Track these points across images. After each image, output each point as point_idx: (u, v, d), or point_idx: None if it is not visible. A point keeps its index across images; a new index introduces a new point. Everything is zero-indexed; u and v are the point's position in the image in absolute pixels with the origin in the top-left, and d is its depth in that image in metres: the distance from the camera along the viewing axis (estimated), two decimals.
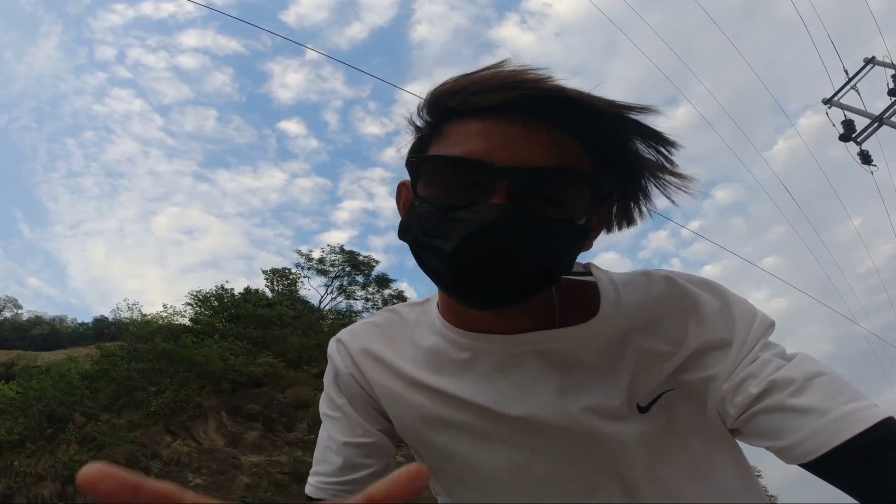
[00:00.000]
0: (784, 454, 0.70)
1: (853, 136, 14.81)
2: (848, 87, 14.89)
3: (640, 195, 0.81)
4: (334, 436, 0.94)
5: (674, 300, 0.83)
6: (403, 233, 0.81)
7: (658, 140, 0.75)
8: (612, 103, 0.72)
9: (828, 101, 15.27)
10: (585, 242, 0.80)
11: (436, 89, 0.79)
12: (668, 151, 0.76)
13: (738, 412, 0.74)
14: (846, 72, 14.98)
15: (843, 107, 15.08)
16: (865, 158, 14.83)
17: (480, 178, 0.71)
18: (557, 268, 0.76)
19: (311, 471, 0.96)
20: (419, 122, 0.84)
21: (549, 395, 0.82)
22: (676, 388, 0.82)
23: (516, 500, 0.87)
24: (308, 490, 0.95)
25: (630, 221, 0.85)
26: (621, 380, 0.81)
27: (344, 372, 0.95)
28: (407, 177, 0.81)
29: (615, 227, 0.86)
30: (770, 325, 0.80)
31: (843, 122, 14.91)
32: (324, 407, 0.98)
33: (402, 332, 0.95)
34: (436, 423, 0.88)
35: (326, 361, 1.00)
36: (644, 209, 0.83)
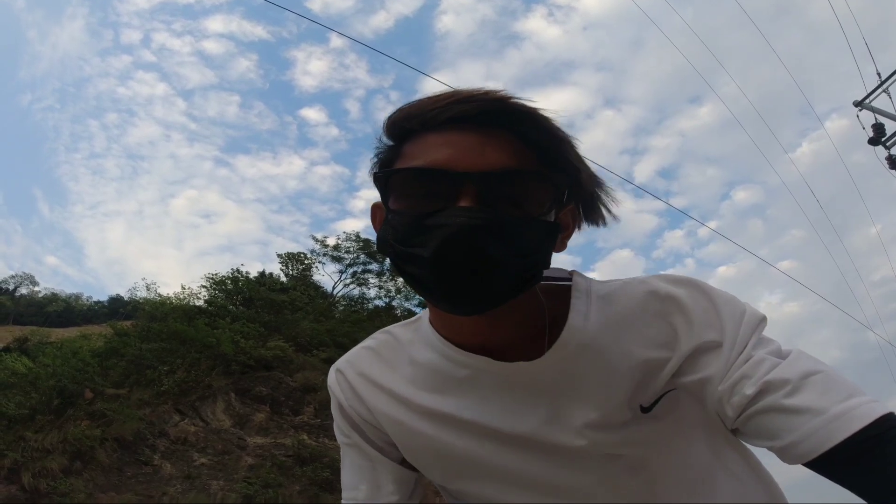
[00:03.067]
0: (784, 454, 0.70)
1: (882, 139, 14.54)
2: (880, 89, 14.58)
3: (594, 196, 0.83)
4: (355, 462, 0.97)
5: (657, 304, 0.83)
6: (382, 247, 0.82)
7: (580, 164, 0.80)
8: (545, 116, 0.77)
9: (859, 104, 14.99)
10: (556, 239, 0.80)
11: (392, 116, 0.82)
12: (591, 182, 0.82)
13: (736, 413, 0.74)
14: (879, 74, 14.68)
15: (874, 110, 14.78)
16: (894, 163, 14.60)
17: (446, 184, 0.73)
18: (533, 265, 0.77)
19: (344, 494, 0.98)
20: (380, 147, 0.85)
21: (548, 412, 0.83)
22: (678, 388, 0.82)
23: None
24: None
25: (596, 221, 0.87)
26: (621, 391, 0.81)
27: (346, 405, 0.96)
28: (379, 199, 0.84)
29: (584, 225, 0.87)
30: (761, 321, 0.80)
31: (873, 126, 14.63)
32: (338, 434, 1.00)
33: (399, 353, 0.95)
34: (438, 447, 0.88)
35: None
36: (605, 210, 0.85)
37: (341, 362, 1.00)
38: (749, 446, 0.91)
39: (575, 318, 0.83)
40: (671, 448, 0.85)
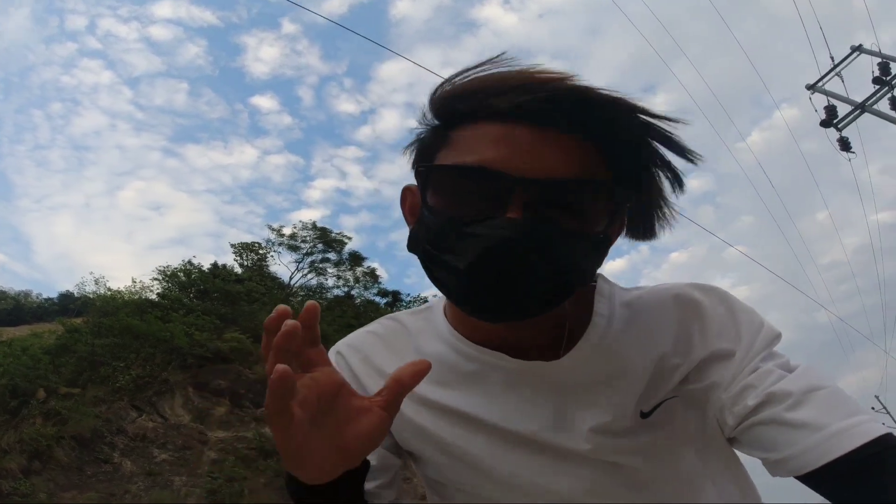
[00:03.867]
0: (778, 467, 0.69)
1: (834, 122, 14.76)
2: (833, 73, 14.87)
3: (657, 209, 0.79)
4: None
5: (678, 309, 0.83)
6: (413, 245, 0.78)
7: (682, 154, 0.72)
8: (636, 107, 0.69)
9: (811, 87, 15.27)
10: (604, 255, 0.77)
11: (443, 91, 0.76)
12: (682, 168, 0.74)
13: (736, 422, 0.74)
14: (832, 58, 14.98)
15: (826, 93, 15.08)
16: (845, 145, 14.83)
17: (496, 189, 0.68)
18: (576, 282, 0.73)
19: None
20: (424, 127, 0.80)
21: (556, 413, 0.81)
22: (679, 396, 0.81)
23: None
24: None
25: (647, 235, 0.83)
26: (631, 396, 0.80)
27: None
28: (412, 181, 0.78)
29: (631, 238, 0.83)
30: (776, 336, 0.79)
31: (825, 108, 14.89)
32: None
33: (405, 341, 0.92)
34: (439, 441, 0.85)
35: None
36: (661, 223, 0.81)
37: (342, 345, 0.96)
38: (743, 470, 0.91)
39: (598, 321, 0.81)
40: (664, 459, 0.82)
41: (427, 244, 0.74)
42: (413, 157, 0.83)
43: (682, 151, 0.72)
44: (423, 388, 0.82)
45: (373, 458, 0.87)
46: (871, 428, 0.65)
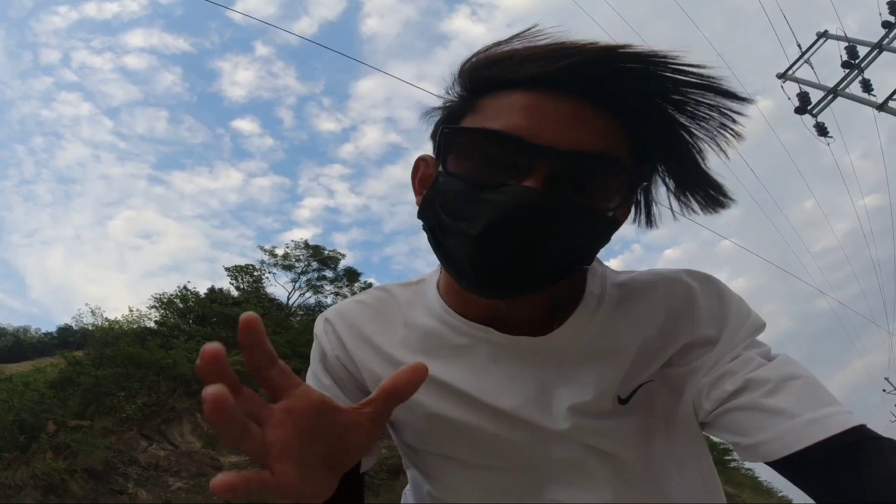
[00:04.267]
0: (750, 452, 0.70)
1: (809, 108, 14.89)
2: (802, 60, 15.06)
3: (675, 195, 0.78)
4: None
5: (668, 294, 0.83)
6: (424, 212, 0.78)
7: (731, 98, 0.69)
8: (669, 62, 0.66)
9: (782, 76, 15.41)
10: (610, 236, 0.77)
11: (473, 58, 0.75)
12: (735, 118, 0.70)
13: (712, 406, 0.75)
14: (799, 46, 15.16)
15: (797, 80, 15.24)
16: (822, 130, 14.86)
17: (519, 157, 0.67)
18: (579, 260, 0.74)
19: None
20: (450, 97, 0.80)
21: (539, 390, 0.81)
22: (656, 380, 0.82)
23: (496, 491, 0.87)
24: None
25: (650, 222, 0.83)
26: (614, 375, 0.80)
27: (331, 354, 0.91)
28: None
29: (637, 224, 0.83)
30: (760, 327, 0.80)
31: (798, 95, 15.02)
32: (311, 382, 0.94)
33: (394, 312, 0.92)
34: (421, 411, 0.85)
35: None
36: (673, 210, 0.80)
37: (331, 312, 0.96)
38: (709, 459, 0.92)
39: (588, 300, 0.82)
40: (638, 444, 0.83)
41: (440, 210, 0.73)
42: (435, 124, 0.82)
43: (730, 95, 0.68)
44: (410, 359, 0.83)
45: None
46: (845, 419, 0.66)
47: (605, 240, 0.76)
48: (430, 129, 0.83)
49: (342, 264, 24.65)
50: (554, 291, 0.80)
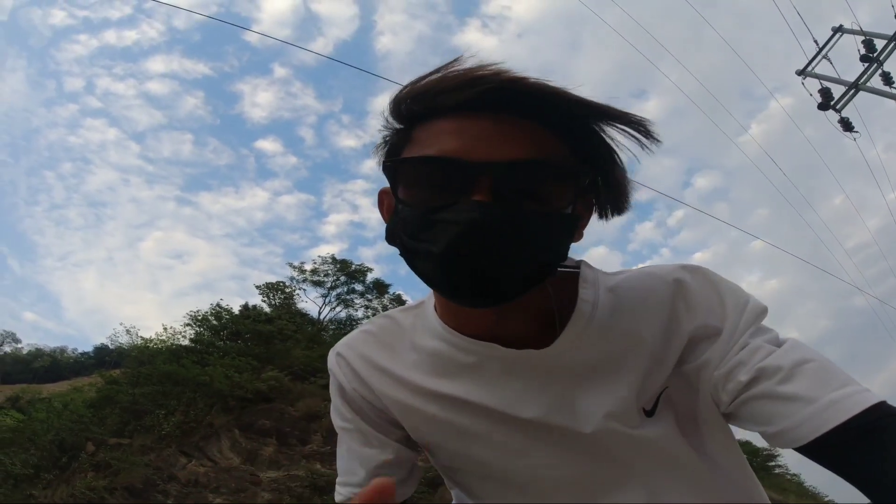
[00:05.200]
0: (776, 439, 0.70)
1: (831, 104, 14.67)
2: (820, 56, 14.85)
3: (621, 180, 0.79)
4: (353, 447, 0.95)
5: (662, 290, 0.83)
6: (391, 238, 0.80)
7: (624, 121, 0.73)
8: (571, 92, 0.71)
9: (801, 72, 15.19)
10: (575, 232, 0.78)
11: (397, 95, 0.78)
12: (639, 131, 0.73)
13: (730, 398, 0.75)
14: (816, 42, 14.95)
15: (817, 76, 15.01)
16: (847, 126, 14.74)
17: (459, 176, 0.70)
18: (549, 260, 0.75)
19: (339, 479, 0.96)
20: (387, 130, 0.82)
21: (557, 398, 0.82)
22: (672, 384, 0.82)
23: (532, 500, 0.87)
24: (338, 498, 0.96)
25: (617, 209, 0.83)
26: (630, 380, 0.80)
27: (348, 387, 0.94)
28: (386, 183, 0.80)
29: (603, 215, 0.84)
30: (762, 311, 0.80)
31: (819, 91, 14.81)
32: (336, 419, 0.97)
33: (401, 338, 0.93)
34: (449, 428, 0.87)
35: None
36: (628, 195, 0.81)
37: (341, 345, 0.97)
38: (738, 447, 0.92)
39: (583, 308, 0.82)
40: (670, 450, 0.83)
41: (403, 235, 0.75)
42: (381, 157, 0.84)
43: (628, 120, 0.73)
44: (427, 381, 0.87)
45: (388, 453, 0.92)
46: (865, 397, 0.66)
47: (567, 236, 0.76)
48: (379, 160, 0.85)
49: (370, 277, 24.64)
50: (544, 303, 0.82)
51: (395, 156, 0.80)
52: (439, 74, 0.74)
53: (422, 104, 0.75)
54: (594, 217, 0.83)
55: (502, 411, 0.83)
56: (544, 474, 0.84)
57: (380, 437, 0.93)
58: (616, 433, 0.80)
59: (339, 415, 0.96)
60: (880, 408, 0.65)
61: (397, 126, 0.81)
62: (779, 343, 0.76)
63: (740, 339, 0.76)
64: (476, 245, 0.68)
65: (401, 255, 0.79)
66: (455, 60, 0.75)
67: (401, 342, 0.92)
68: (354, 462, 0.94)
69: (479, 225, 0.67)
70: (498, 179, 0.69)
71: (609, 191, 0.81)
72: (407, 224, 0.74)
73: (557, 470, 0.84)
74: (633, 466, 0.83)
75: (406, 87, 0.78)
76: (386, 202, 0.85)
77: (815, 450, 0.67)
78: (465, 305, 0.76)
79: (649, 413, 0.82)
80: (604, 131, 0.74)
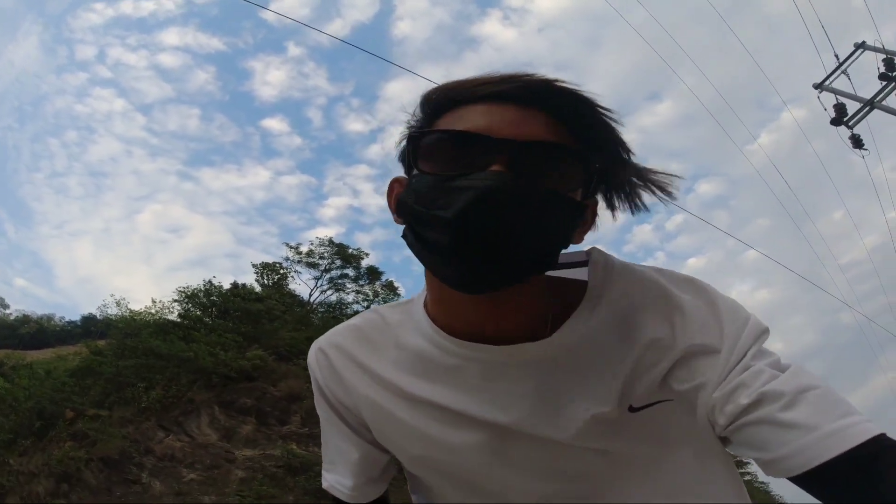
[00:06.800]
0: (771, 467, 0.69)
1: (845, 119, 14.64)
2: (839, 71, 14.79)
3: (628, 185, 0.82)
4: (331, 439, 0.99)
5: (662, 303, 0.82)
6: (400, 211, 0.81)
7: (650, 180, 0.81)
8: (592, 100, 0.78)
9: (819, 86, 15.15)
10: (578, 221, 0.80)
11: (429, 92, 0.82)
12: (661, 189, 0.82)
13: (728, 421, 0.73)
14: (837, 56, 14.90)
15: (834, 91, 14.98)
16: (857, 142, 14.72)
17: (481, 150, 0.73)
18: (552, 243, 0.76)
19: (325, 467, 1.01)
20: (411, 121, 0.85)
21: (537, 403, 0.82)
22: (674, 400, 0.81)
23: None
24: (325, 486, 1.00)
25: (629, 207, 0.85)
26: (611, 387, 0.80)
27: (323, 384, 0.95)
28: (399, 173, 0.84)
29: (611, 212, 0.86)
30: (763, 332, 0.79)
31: (834, 106, 14.78)
32: (319, 410, 0.99)
33: (385, 335, 0.93)
34: (413, 433, 0.87)
35: None
36: (633, 201, 0.84)
37: (323, 340, 0.98)
38: (735, 471, 0.92)
39: (582, 310, 0.83)
40: (654, 452, 0.84)
41: (415, 204, 0.76)
42: (403, 147, 0.86)
43: (622, 146, 0.80)
44: (403, 380, 0.88)
45: (360, 452, 0.96)
46: (866, 428, 0.65)
47: (572, 224, 0.78)
48: (399, 150, 0.88)
49: (364, 263, 24.60)
50: (540, 299, 0.83)
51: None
52: (472, 78, 0.79)
53: (452, 96, 0.79)
54: (596, 218, 0.86)
55: (477, 416, 0.83)
56: (513, 481, 0.85)
57: (352, 437, 0.96)
58: (591, 436, 0.81)
59: (320, 406, 0.99)
60: (880, 440, 0.64)
61: (423, 115, 0.84)
62: (782, 368, 0.74)
63: (741, 360, 0.75)
64: (489, 211, 0.69)
65: (404, 236, 0.80)
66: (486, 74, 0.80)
67: (385, 339, 0.93)
68: (334, 453, 0.99)
69: (494, 191, 0.69)
70: (515, 156, 0.72)
71: (614, 195, 0.84)
72: (420, 193, 0.75)
73: (527, 476, 0.84)
74: (607, 481, 0.84)
75: (438, 87, 0.82)
76: (396, 190, 0.86)
77: (811, 480, 0.66)
78: (465, 285, 0.75)
79: (634, 409, 0.82)
80: (617, 140, 0.80)
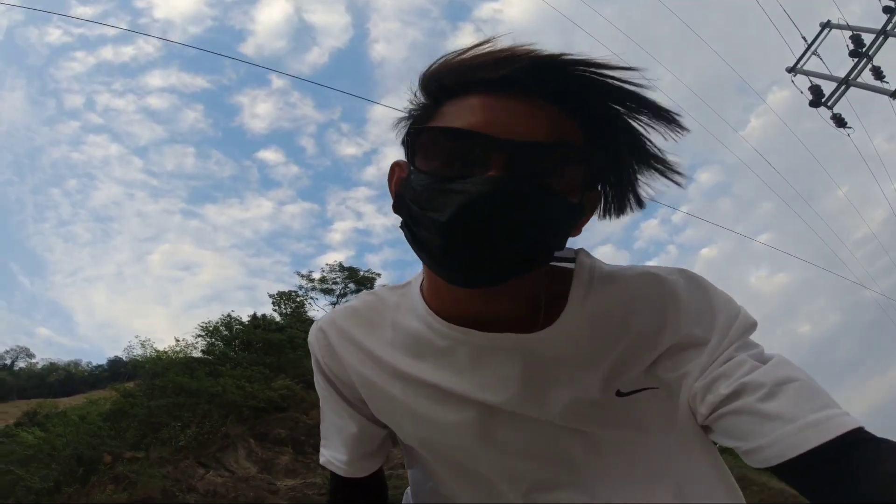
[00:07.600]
0: (750, 457, 0.70)
1: (823, 100, 14.48)
2: (809, 53, 14.60)
3: (633, 180, 0.81)
4: (329, 415, 1.03)
5: (653, 293, 0.83)
6: (398, 206, 0.81)
7: (655, 112, 0.75)
8: (605, 82, 0.73)
9: (792, 70, 14.96)
10: (577, 222, 0.80)
11: (429, 70, 0.80)
12: (665, 124, 0.76)
13: (708, 411, 0.74)
14: (805, 39, 14.70)
15: (807, 73, 14.80)
16: (839, 122, 14.53)
17: (478, 150, 0.71)
18: (548, 245, 0.76)
19: (322, 443, 1.04)
20: (414, 104, 0.84)
21: (525, 386, 0.83)
22: (661, 388, 0.83)
23: (486, 484, 0.91)
24: (322, 461, 1.04)
25: (621, 209, 0.85)
26: (599, 373, 0.82)
27: (323, 363, 0.98)
28: (402, 157, 0.83)
29: (606, 215, 0.85)
30: (751, 325, 0.80)
31: (810, 88, 14.62)
32: (318, 387, 1.02)
33: (383, 315, 0.95)
34: (406, 410, 0.90)
35: None
36: (636, 197, 0.83)
37: (323, 320, 1.01)
38: (719, 458, 0.94)
39: (574, 300, 0.83)
40: (636, 436, 0.86)
41: (411, 202, 0.76)
42: (403, 129, 0.86)
43: (656, 110, 0.74)
44: (397, 359, 0.90)
45: (357, 427, 0.99)
46: (844, 421, 0.65)
47: (569, 224, 0.78)
48: (401, 136, 0.86)
49: (377, 283, 24.57)
50: (534, 287, 0.83)
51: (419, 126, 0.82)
52: (473, 52, 0.76)
53: (453, 79, 0.76)
54: (594, 217, 0.85)
55: (467, 395, 0.85)
56: (499, 460, 0.87)
57: (350, 412, 0.99)
58: (577, 418, 0.83)
59: (318, 384, 1.01)
60: (857, 433, 0.65)
61: (425, 101, 0.82)
62: (764, 359, 0.75)
63: (725, 351, 0.76)
64: (483, 218, 0.69)
65: (401, 227, 0.80)
66: (490, 39, 0.77)
67: (382, 320, 0.94)
68: (331, 429, 1.02)
69: (488, 197, 0.68)
70: (515, 157, 0.70)
71: (617, 190, 0.83)
72: (417, 192, 0.75)
73: (514, 456, 0.87)
74: (590, 462, 0.85)
75: (438, 61, 0.79)
76: (396, 174, 0.86)
77: (789, 470, 0.67)
78: (456, 283, 0.76)
79: (622, 394, 0.83)
80: (628, 127, 0.76)
